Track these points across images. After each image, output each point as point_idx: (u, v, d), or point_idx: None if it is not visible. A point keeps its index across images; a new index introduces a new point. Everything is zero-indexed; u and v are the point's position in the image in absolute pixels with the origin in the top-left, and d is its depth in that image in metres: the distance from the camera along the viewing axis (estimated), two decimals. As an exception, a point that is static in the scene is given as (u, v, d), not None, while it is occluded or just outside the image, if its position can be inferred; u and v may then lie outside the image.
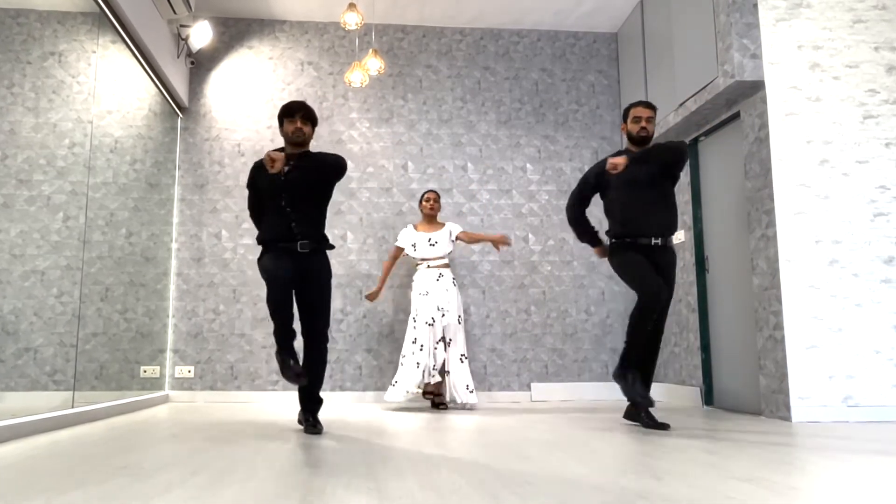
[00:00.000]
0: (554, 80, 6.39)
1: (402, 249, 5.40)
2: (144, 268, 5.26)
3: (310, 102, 6.09)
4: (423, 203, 5.38)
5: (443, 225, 5.40)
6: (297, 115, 3.62)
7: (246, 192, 5.97)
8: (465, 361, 5.11)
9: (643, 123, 3.85)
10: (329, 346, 5.67)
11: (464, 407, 5.15)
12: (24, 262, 3.78)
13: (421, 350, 5.00)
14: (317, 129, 5.97)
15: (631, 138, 3.93)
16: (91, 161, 4.34)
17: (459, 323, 5.13)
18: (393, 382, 5.10)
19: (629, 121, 3.91)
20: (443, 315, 5.09)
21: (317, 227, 3.66)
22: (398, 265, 5.73)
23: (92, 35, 4.38)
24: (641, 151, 3.80)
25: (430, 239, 5.31)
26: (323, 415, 4.51)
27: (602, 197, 4.09)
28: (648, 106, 3.89)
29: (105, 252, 4.59)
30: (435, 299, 5.12)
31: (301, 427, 3.72)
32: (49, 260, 3.94)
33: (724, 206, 5.03)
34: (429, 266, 5.25)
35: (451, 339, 5.08)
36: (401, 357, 5.16)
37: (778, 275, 4.25)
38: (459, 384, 5.06)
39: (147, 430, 3.68)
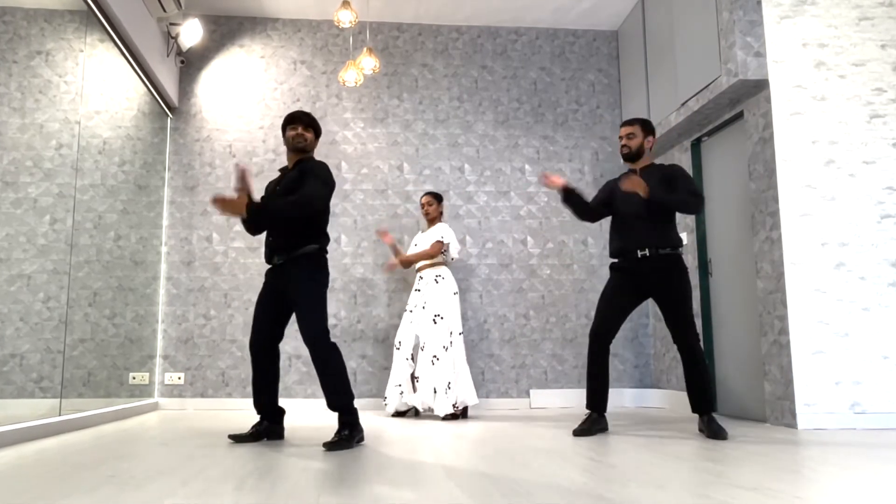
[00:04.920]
0: (553, 79, 6.30)
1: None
2: (133, 272, 5.17)
3: (303, 102, 6.03)
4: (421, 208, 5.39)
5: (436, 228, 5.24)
6: (298, 123, 3.62)
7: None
8: (437, 363, 4.79)
9: (624, 141, 4.04)
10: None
11: (431, 412, 4.92)
12: (9, 266, 3.78)
13: (402, 359, 4.99)
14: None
15: (622, 157, 4.14)
16: (79, 163, 4.30)
17: (435, 323, 4.87)
18: (400, 391, 4.99)
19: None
20: (412, 316, 5.02)
21: (290, 237, 3.49)
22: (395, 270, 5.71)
23: (79, 34, 4.33)
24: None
25: (415, 243, 5.30)
26: (317, 422, 4.47)
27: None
28: (627, 123, 4.07)
29: (93, 256, 4.54)
30: (414, 301, 5.08)
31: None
32: (35, 264, 3.94)
33: (727, 207, 4.95)
34: (416, 269, 5.22)
35: (424, 343, 4.88)
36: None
37: (783, 278, 4.18)
38: (426, 387, 4.79)
39: (136, 438, 3.65)
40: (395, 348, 5.06)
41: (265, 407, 3.55)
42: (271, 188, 3.68)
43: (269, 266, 3.62)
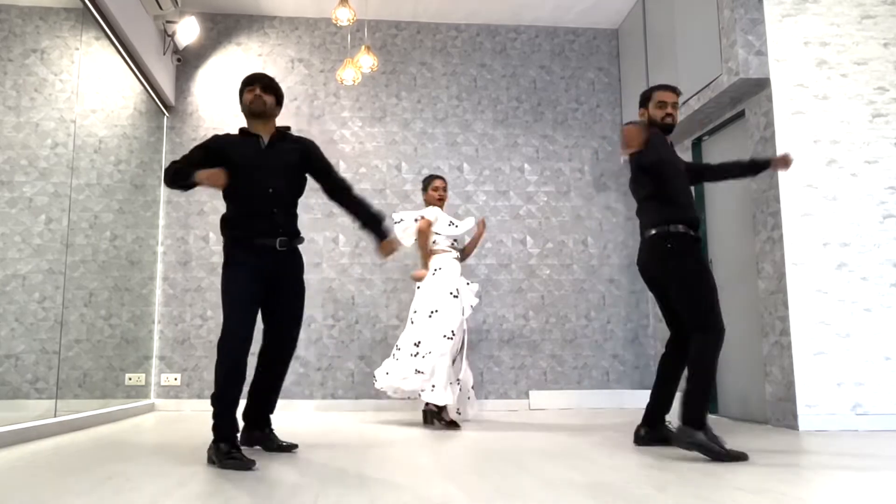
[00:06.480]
0: (552, 78, 6.27)
1: (431, 224, 4.57)
2: (129, 272, 5.14)
3: (300, 101, 6.00)
4: (431, 192, 4.69)
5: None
6: (256, 84, 3.20)
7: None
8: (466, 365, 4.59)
9: (669, 110, 3.35)
10: (321, 352, 5.66)
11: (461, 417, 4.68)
12: (4, 266, 3.77)
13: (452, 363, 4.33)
14: (308, 127, 5.89)
15: (654, 125, 3.39)
16: (74, 162, 4.28)
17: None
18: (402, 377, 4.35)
19: (652, 105, 3.39)
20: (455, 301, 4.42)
21: (293, 220, 3.25)
22: (390, 266, 5.63)
23: (75, 31, 4.31)
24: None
25: (451, 221, 4.62)
26: (315, 424, 4.44)
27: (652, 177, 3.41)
28: (676, 91, 3.45)
29: (89, 256, 4.52)
30: (461, 302, 4.43)
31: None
32: (31, 264, 3.93)
33: (728, 207, 4.93)
34: (454, 257, 4.60)
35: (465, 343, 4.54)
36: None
37: (784, 279, 4.16)
38: (465, 392, 4.56)
39: (132, 439, 3.64)
40: (409, 321, 4.53)
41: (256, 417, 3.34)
42: (254, 152, 3.18)
43: (256, 246, 3.10)
